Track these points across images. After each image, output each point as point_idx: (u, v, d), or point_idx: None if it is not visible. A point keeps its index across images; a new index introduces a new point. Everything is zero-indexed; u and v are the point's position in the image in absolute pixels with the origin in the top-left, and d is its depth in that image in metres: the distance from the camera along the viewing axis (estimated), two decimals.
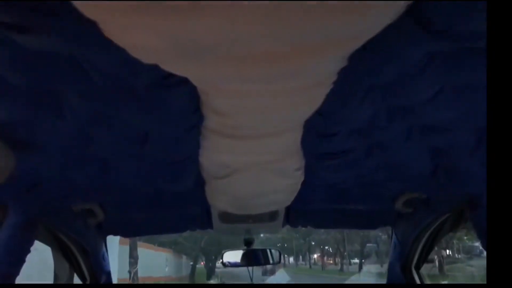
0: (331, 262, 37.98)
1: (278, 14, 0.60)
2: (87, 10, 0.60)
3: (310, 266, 39.09)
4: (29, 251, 1.54)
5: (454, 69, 0.86)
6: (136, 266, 16.09)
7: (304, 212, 2.00)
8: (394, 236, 2.24)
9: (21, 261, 1.50)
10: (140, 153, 1.22)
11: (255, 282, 2.94)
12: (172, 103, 0.94)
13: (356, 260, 31.72)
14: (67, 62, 0.77)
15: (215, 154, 1.25)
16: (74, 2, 0.58)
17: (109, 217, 1.87)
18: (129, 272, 15.25)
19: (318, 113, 1.01)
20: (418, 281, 2.20)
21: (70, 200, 1.64)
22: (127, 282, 14.38)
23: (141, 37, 0.66)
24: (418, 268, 2.18)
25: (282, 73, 0.79)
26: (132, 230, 2.37)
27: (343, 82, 0.86)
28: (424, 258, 2.14)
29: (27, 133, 1.06)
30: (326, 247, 36.24)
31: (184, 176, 1.43)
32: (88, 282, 2.15)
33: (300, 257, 44.37)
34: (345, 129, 1.14)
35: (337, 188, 1.69)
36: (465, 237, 20.42)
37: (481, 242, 1.49)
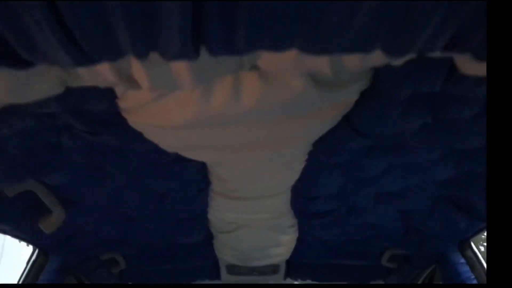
0: None
1: (256, 127, 0.93)
2: (133, 124, 0.94)
3: None
4: None
5: (391, 154, 1.14)
6: None
7: (303, 266, 2.20)
8: None
9: None
10: (158, 211, 1.50)
11: None
12: (186, 173, 1.23)
13: None
14: (114, 149, 1.09)
15: (220, 212, 1.53)
16: (129, 121, 0.92)
17: (130, 266, 2.12)
18: None
19: (300, 180, 1.29)
20: None
21: (98, 250, 1.91)
22: None
23: (166, 140, 1.03)
24: None
25: (268, 154, 1.09)
26: (149, 278, 2.62)
27: (313, 160, 1.15)
28: None
29: (76, 194, 1.36)
30: None
31: (195, 231, 1.70)
32: None
33: None
34: (324, 194, 1.41)
35: (329, 244, 1.91)
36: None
37: None
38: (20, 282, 1.63)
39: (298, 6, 0.44)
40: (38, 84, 0.64)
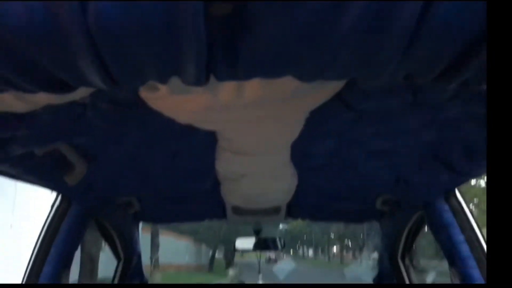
0: (350, 256, 38.01)
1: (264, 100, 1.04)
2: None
3: (329, 260, 39.25)
4: (84, 235, 1.99)
5: (378, 123, 1.26)
6: (158, 253, 16.68)
7: (302, 207, 2.39)
8: (380, 230, 2.62)
9: (78, 242, 1.95)
10: (170, 164, 1.65)
11: (265, 267, 3.36)
12: (197, 135, 1.36)
13: (376, 255, 31.66)
14: (134, 119, 1.21)
15: (226, 164, 1.67)
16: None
17: (144, 208, 2.31)
18: (151, 258, 15.82)
19: (299, 140, 1.41)
20: (403, 270, 2.57)
21: (115, 195, 2.09)
22: (149, 268, 14.92)
23: (184, 116, 1.17)
24: (403, 258, 2.55)
25: (270, 121, 1.22)
26: (160, 218, 2.84)
27: (309, 125, 1.27)
28: (408, 249, 2.51)
29: (95, 151, 1.50)
30: (346, 241, 36.31)
31: (204, 179, 1.85)
32: (122, 260, 2.62)
33: (320, 250, 44.56)
34: (320, 152, 1.54)
35: (326, 190, 2.08)
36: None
37: (435, 239, 1.86)
38: (45, 226, 1.81)
39: (293, 49, 0.54)
40: (81, 90, 0.74)
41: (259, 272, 3.16)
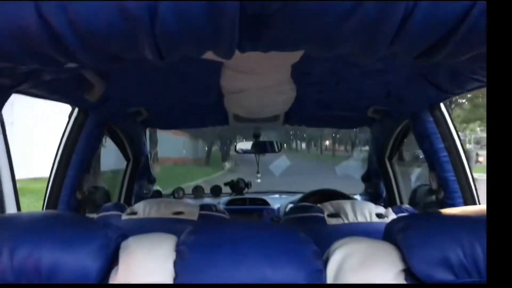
0: (342, 149, 39.30)
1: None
2: None
3: (321, 152, 40.62)
4: (101, 141, 2.18)
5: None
6: (156, 148, 17.23)
7: (299, 115, 2.56)
8: (370, 134, 2.83)
9: (96, 149, 2.15)
10: (180, 81, 1.78)
11: (261, 164, 3.63)
12: (205, 59, 1.47)
13: (366, 148, 32.81)
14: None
15: (231, 81, 1.80)
16: None
17: (151, 116, 2.48)
18: (150, 153, 16.38)
19: (299, 61, 1.53)
20: (389, 169, 2.83)
21: (127, 107, 2.25)
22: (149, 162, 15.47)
23: None
24: (390, 159, 2.80)
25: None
26: (166, 125, 3.03)
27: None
28: (394, 152, 2.75)
29: (114, 73, 1.63)
30: (338, 135, 37.28)
31: (209, 93, 1.99)
32: (131, 161, 2.86)
33: (313, 143, 45.92)
34: (318, 71, 1.67)
35: (322, 101, 2.24)
36: (478, 128, 20.88)
37: (419, 146, 2.07)
38: (65, 137, 2.00)
39: (307, 38, 0.66)
40: None
41: (257, 172, 3.39)
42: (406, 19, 0.58)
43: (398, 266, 0.87)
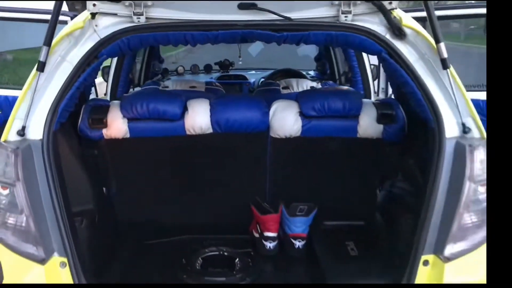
0: None
1: None
2: None
3: None
4: None
5: None
6: None
7: None
8: None
9: None
10: None
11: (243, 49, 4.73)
12: None
13: None
14: None
15: None
16: None
17: None
18: None
19: None
20: (332, 52, 4.04)
21: None
22: None
23: None
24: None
25: None
26: None
27: None
28: None
29: None
30: None
31: None
32: (147, 48, 4.03)
33: None
34: None
35: None
36: None
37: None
38: None
39: None
40: None
41: (239, 57, 4.46)
42: None
43: (297, 109, 2.15)
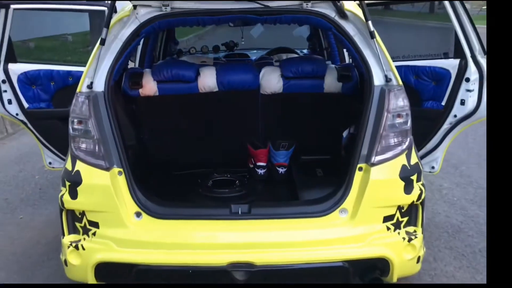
0: None
1: None
2: None
3: None
4: None
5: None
6: None
7: None
8: None
9: None
10: None
11: (244, 32, 5.52)
12: None
13: None
14: None
15: None
16: None
17: None
18: None
19: None
20: (321, 34, 4.83)
21: None
22: None
23: None
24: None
25: None
26: None
27: None
28: None
29: None
30: None
31: None
32: (165, 31, 4.84)
33: None
34: None
35: None
36: None
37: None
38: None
39: None
40: None
41: (242, 38, 5.23)
42: None
43: (279, 73, 2.93)
